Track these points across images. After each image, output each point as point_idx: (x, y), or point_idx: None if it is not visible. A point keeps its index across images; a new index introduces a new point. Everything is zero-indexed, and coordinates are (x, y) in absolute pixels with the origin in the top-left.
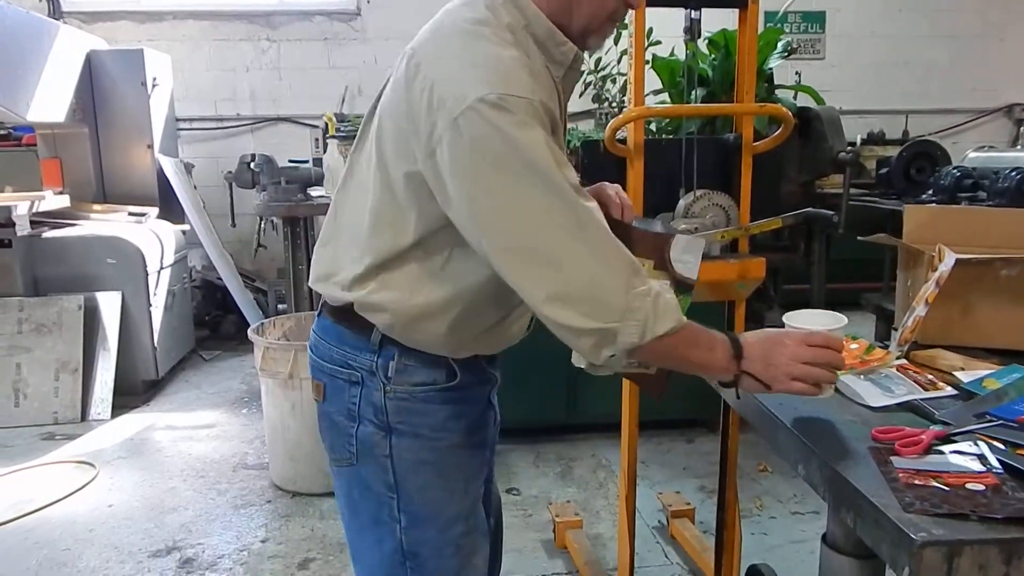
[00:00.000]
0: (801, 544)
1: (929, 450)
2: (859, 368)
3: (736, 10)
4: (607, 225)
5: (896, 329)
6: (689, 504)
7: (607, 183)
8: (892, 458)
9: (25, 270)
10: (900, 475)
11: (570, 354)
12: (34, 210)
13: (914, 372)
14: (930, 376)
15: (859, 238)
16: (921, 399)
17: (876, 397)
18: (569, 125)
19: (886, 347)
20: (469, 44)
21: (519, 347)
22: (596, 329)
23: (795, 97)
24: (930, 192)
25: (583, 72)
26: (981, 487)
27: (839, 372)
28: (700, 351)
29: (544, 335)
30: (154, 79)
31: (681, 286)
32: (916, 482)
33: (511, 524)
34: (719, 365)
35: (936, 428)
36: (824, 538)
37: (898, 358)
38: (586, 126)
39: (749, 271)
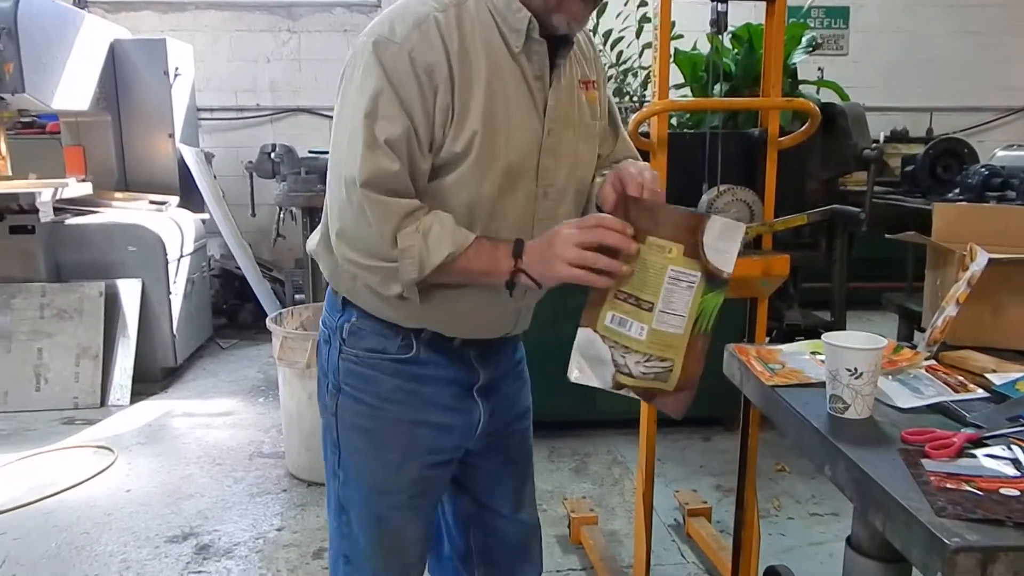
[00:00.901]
0: (820, 546)
1: (961, 453)
2: (887, 368)
3: (761, 4)
4: (389, 179)
5: (923, 329)
6: (706, 503)
7: (633, 161)
8: (923, 460)
9: (48, 256)
10: (931, 478)
11: None
12: (57, 197)
13: (944, 373)
14: (960, 377)
15: (887, 236)
16: (951, 401)
17: (905, 398)
18: None
19: (914, 347)
20: (401, 4)
21: (534, 340)
22: (375, 267)
23: (818, 92)
24: (957, 191)
25: (604, 65)
26: (1016, 492)
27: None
28: (481, 261)
29: (562, 329)
30: (176, 69)
31: (712, 279)
32: (948, 486)
33: None
34: (500, 268)
35: (968, 431)
36: (849, 540)
37: (927, 359)
38: None
39: (773, 268)
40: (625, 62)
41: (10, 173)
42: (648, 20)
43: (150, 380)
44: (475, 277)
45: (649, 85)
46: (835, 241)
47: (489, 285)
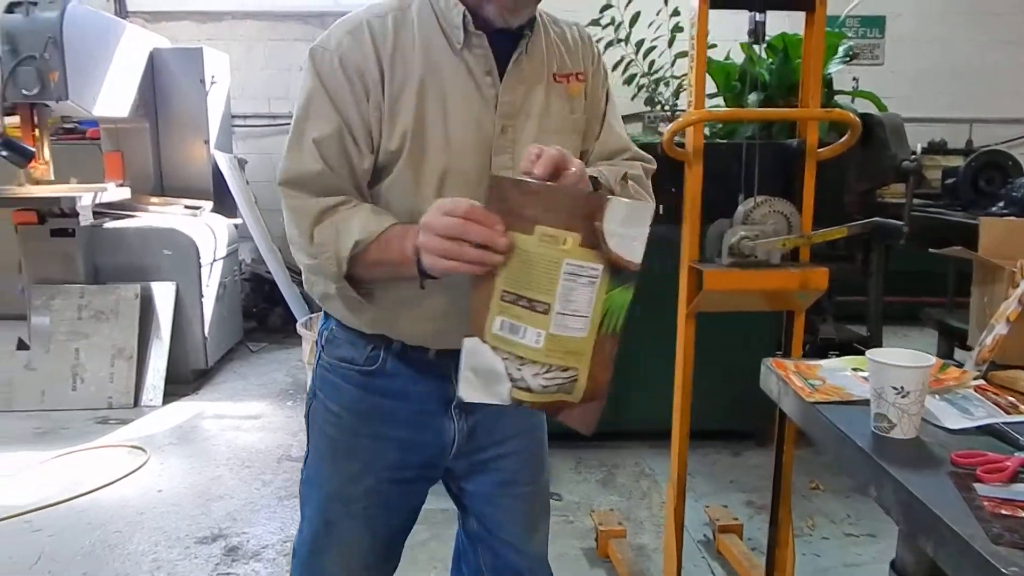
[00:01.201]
0: (856, 568)
1: (1015, 478)
2: (934, 387)
3: (798, 13)
4: (311, 179)
5: (967, 347)
6: (737, 519)
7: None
8: (975, 485)
9: (87, 259)
10: (985, 503)
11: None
12: (96, 201)
13: (994, 394)
14: (1011, 398)
15: (932, 251)
16: (1003, 423)
17: (954, 419)
18: None
19: (960, 366)
20: (349, 14)
21: None
22: (311, 265)
23: (853, 102)
24: (1001, 204)
25: (636, 75)
26: None
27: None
28: (392, 251)
29: None
30: (212, 77)
31: (618, 273)
32: (1003, 512)
33: (552, 529)
34: (407, 258)
35: (1021, 455)
36: (893, 564)
37: (976, 378)
38: (634, 129)
39: (811, 281)
40: (657, 71)
41: (52, 177)
42: (680, 30)
43: (182, 382)
44: (394, 269)
45: (682, 95)
46: (871, 254)
47: (408, 278)
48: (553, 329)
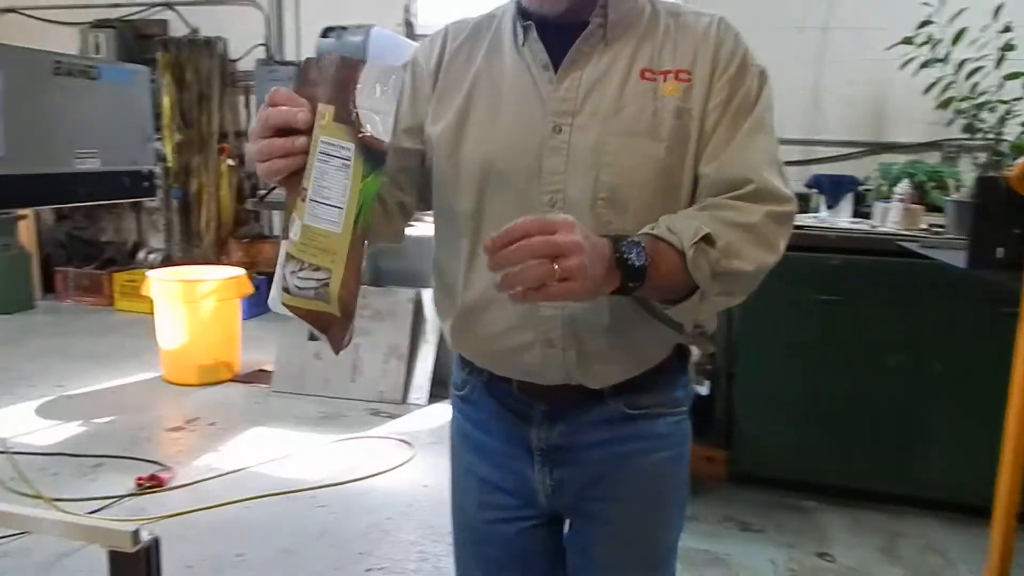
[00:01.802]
0: None
1: None
2: None
3: None
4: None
5: None
6: None
7: None
8: None
9: (371, 262)
10: None
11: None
12: None
13: None
14: None
15: None
16: None
17: None
18: (912, 157)
19: None
20: None
21: (833, 397)
22: None
23: None
24: None
25: (952, 98)
26: None
27: None
28: None
29: (874, 385)
30: None
31: (370, 154)
32: None
33: None
34: None
35: None
36: None
37: None
38: (931, 158)
39: None
40: (982, 94)
41: None
42: (1012, 48)
43: (444, 384)
44: None
45: (1008, 121)
46: None
47: None
48: (307, 219)
